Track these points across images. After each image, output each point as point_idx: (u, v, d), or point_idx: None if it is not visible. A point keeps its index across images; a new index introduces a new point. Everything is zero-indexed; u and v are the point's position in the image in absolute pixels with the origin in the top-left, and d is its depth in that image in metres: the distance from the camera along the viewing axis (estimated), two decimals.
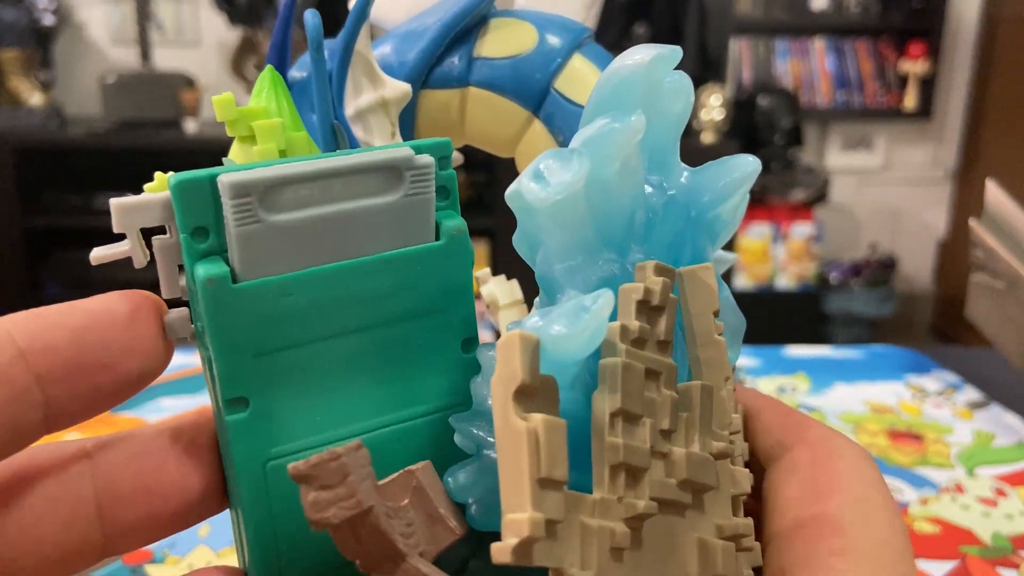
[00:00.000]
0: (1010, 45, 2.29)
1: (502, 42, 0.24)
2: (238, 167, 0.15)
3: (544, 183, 0.15)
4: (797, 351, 0.66)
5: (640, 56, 0.17)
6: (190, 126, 1.98)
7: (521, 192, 0.16)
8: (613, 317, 0.14)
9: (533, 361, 0.12)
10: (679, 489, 0.14)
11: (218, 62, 2.22)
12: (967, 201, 2.44)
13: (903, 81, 2.41)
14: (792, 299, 2.22)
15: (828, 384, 0.60)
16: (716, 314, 0.17)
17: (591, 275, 0.16)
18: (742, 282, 2.20)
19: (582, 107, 0.21)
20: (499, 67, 0.24)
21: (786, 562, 0.15)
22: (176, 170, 0.16)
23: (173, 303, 0.17)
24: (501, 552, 0.11)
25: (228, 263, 0.15)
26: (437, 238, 0.17)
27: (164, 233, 0.16)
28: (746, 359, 0.64)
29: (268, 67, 0.20)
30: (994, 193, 0.53)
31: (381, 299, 0.17)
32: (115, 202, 0.16)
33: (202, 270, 0.15)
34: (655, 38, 2.18)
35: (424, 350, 0.17)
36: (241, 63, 2.15)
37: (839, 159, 2.48)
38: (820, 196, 2.21)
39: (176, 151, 1.92)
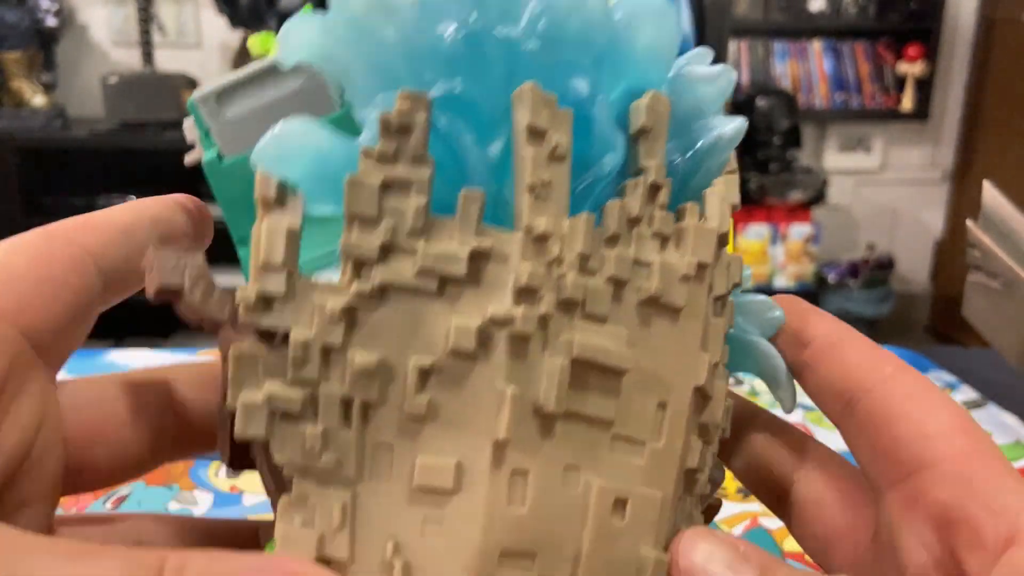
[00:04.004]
0: (1006, 46, 2.30)
1: None
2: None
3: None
4: None
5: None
6: None
7: None
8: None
9: (269, 179, 0.16)
10: (416, 278, 0.16)
11: (220, 64, 2.23)
12: (964, 201, 2.45)
13: (900, 82, 2.43)
14: None
15: None
16: (534, 131, 0.17)
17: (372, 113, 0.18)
18: None
19: None
20: None
21: (963, 491, 0.17)
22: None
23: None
24: (243, 310, 0.16)
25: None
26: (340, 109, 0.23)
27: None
28: None
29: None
30: (991, 194, 0.54)
31: None
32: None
33: (205, 156, 0.22)
34: None
35: None
36: (243, 65, 2.15)
37: (837, 160, 2.49)
38: (818, 197, 2.22)
39: (178, 152, 1.91)
